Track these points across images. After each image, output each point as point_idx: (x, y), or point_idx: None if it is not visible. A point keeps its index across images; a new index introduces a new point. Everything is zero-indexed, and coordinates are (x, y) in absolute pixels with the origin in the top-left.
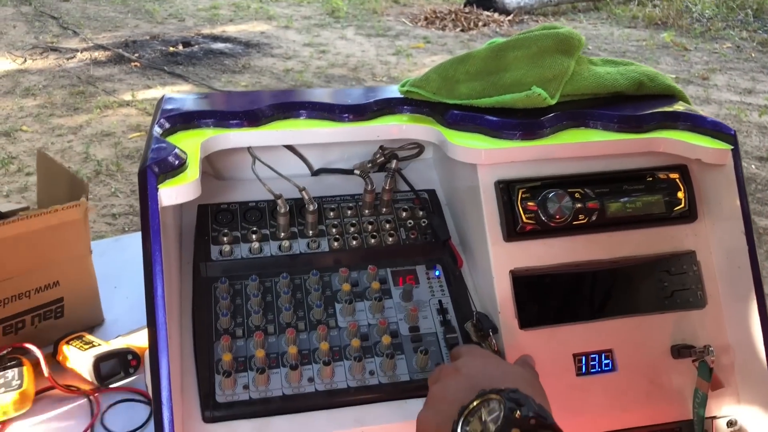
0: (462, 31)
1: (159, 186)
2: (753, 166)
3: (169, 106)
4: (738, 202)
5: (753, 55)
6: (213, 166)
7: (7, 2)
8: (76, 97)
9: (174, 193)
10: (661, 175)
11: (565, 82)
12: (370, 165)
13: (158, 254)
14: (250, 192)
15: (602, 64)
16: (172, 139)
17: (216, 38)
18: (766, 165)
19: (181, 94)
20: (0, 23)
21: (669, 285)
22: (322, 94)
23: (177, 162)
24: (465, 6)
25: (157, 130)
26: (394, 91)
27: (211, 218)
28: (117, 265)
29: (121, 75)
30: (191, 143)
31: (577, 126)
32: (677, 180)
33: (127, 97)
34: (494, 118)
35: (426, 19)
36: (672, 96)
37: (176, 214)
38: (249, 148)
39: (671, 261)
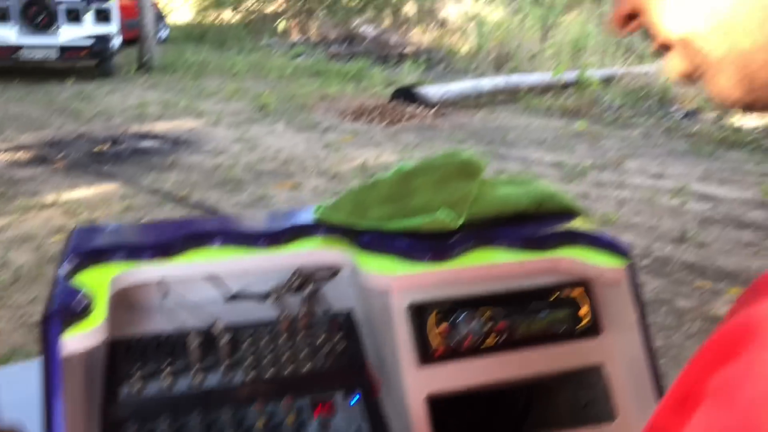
0: (388, 124)
1: (62, 334)
2: (668, 248)
3: (78, 241)
4: (636, 317)
5: (660, 141)
6: (123, 296)
7: None
8: None
9: (78, 340)
10: (565, 292)
11: (470, 204)
12: (285, 289)
13: (58, 410)
14: (162, 323)
15: (504, 185)
16: (81, 277)
17: (144, 136)
18: (680, 246)
19: (94, 226)
20: None
21: (581, 399)
22: (236, 220)
23: (81, 307)
24: (391, 100)
25: (65, 268)
26: (308, 215)
27: (120, 354)
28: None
29: (44, 176)
30: (101, 280)
31: (483, 246)
32: (580, 296)
33: (50, 198)
34: (404, 242)
35: (353, 113)
36: (571, 213)
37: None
38: (160, 281)
39: (581, 375)
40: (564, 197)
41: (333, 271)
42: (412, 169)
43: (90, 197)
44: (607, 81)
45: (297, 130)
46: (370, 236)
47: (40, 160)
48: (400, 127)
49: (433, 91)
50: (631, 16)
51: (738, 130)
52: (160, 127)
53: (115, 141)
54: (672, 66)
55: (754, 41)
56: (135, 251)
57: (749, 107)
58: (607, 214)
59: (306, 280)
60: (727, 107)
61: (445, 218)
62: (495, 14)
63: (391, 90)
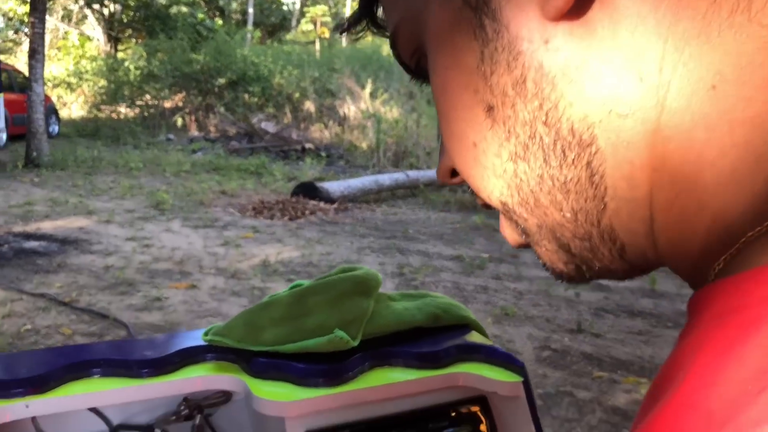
0: (290, 219)
1: None
2: (566, 339)
3: None
4: (533, 430)
5: None
6: None
7: None
8: None
9: None
10: (463, 410)
11: (366, 322)
12: (174, 418)
13: None
14: None
15: (400, 299)
16: None
17: (29, 236)
18: (578, 337)
19: None
20: None
21: None
22: (119, 347)
23: None
24: (292, 196)
25: None
26: (197, 338)
27: None
28: None
29: None
30: None
31: (380, 366)
32: (478, 413)
33: None
34: (299, 365)
35: (254, 209)
36: (466, 326)
37: None
38: (33, 419)
39: None
40: (459, 309)
41: (224, 398)
42: (306, 288)
43: None
44: None
45: (194, 227)
46: (263, 361)
47: None
48: (301, 223)
49: (334, 186)
50: (454, 172)
51: None
52: (47, 226)
53: None
54: (506, 233)
55: (557, 217)
56: (3, 388)
57: (577, 275)
58: (507, 306)
59: (195, 408)
60: (560, 277)
61: (340, 339)
62: (392, 113)
63: (292, 185)
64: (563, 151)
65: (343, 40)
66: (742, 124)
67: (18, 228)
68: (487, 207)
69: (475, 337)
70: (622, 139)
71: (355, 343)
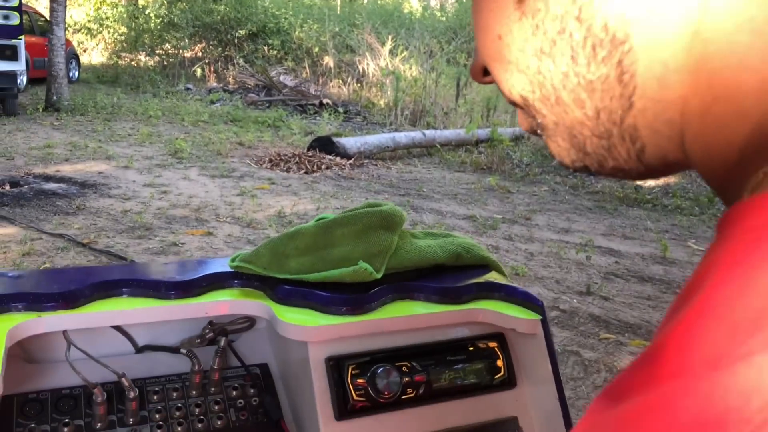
0: (306, 173)
1: None
2: (575, 301)
3: None
4: (550, 369)
5: (567, 197)
6: (22, 347)
7: None
8: None
9: None
10: (481, 345)
11: (390, 257)
12: (198, 341)
13: None
14: (65, 377)
15: (423, 237)
16: None
17: (49, 178)
18: (586, 299)
19: None
20: None
21: None
22: (146, 269)
23: None
24: (308, 150)
25: None
26: (223, 265)
27: (17, 411)
28: None
29: None
30: None
31: (402, 298)
32: (496, 348)
33: None
34: (323, 293)
35: (271, 161)
36: (486, 266)
37: None
38: (64, 332)
39: (496, 427)
40: (480, 250)
41: (248, 323)
42: (332, 220)
43: None
44: (517, 139)
45: (211, 176)
46: (287, 288)
47: None
48: (317, 176)
49: (351, 142)
50: (486, 71)
51: (638, 188)
52: (67, 169)
53: (16, 183)
54: (520, 120)
55: (578, 115)
56: (36, 301)
57: (582, 169)
58: (517, 266)
59: (220, 332)
60: (564, 167)
61: (365, 270)
62: (411, 71)
63: (309, 139)
64: (593, 48)
65: None
66: None
67: (38, 170)
68: (511, 104)
69: (495, 277)
70: (659, 38)
71: (379, 275)
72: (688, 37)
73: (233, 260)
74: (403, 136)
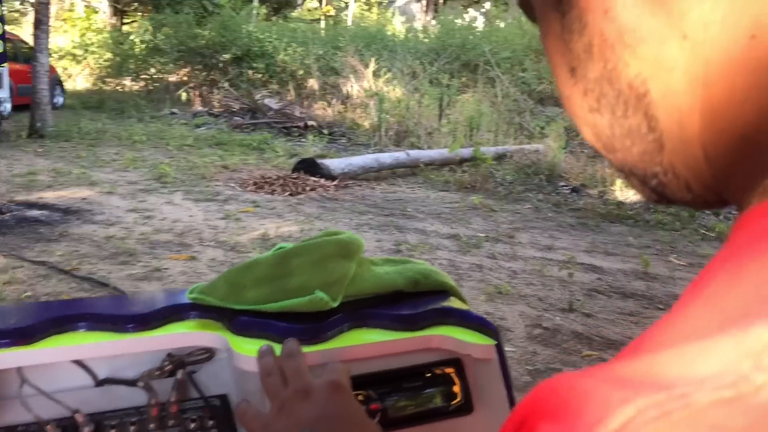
0: (290, 195)
1: None
2: (558, 318)
3: None
4: (505, 394)
5: (550, 215)
6: None
7: None
8: None
9: None
10: (438, 371)
11: (348, 285)
12: (158, 373)
13: None
14: (19, 414)
15: (382, 264)
16: None
17: (31, 205)
18: (569, 316)
19: None
20: None
21: None
22: (104, 303)
23: None
24: (293, 172)
25: None
26: (182, 297)
27: None
28: None
29: None
30: None
31: (358, 326)
32: (452, 374)
33: None
34: (280, 323)
35: (255, 184)
36: (445, 292)
37: None
38: (18, 369)
39: None
40: (439, 276)
41: (208, 355)
42: (290, 250)
43: None
44: (500, 157)
45: (196, 200)
46: (244, 319)
47: None
48: (302, 198)
49: (336, 163)
50: None
51: (620, 204)
52: (50, 196)
53: None
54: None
55: (630, 159)
56: None
57: (661, 203)
58: (501, 285)
59: (178, 364)
60: (653, 203)
61: (321, 299)
62: (395, 92)
63: (293, 162)
64: (625, 103)
65: (349, 19)
66: None
67: (21, 197)
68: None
69: (452, 303)
70: (671, 89)
71: (335, 304)
72: (694, 86)
73: (191, 292)
74: (388, 157)
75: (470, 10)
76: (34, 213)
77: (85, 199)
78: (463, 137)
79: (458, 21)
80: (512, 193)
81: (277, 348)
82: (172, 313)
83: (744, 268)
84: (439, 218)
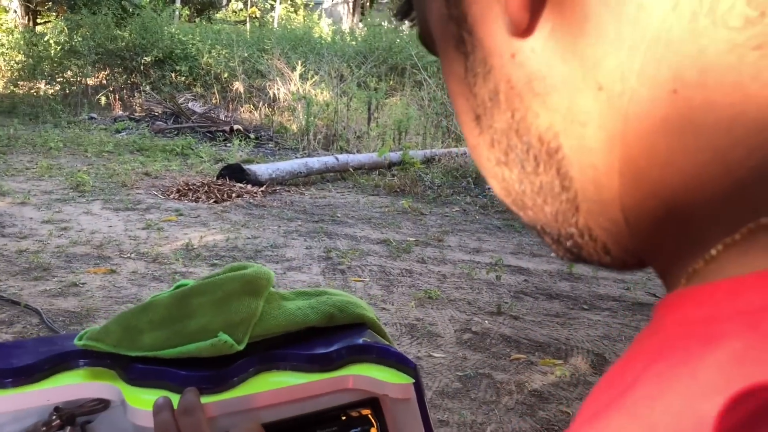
0: (215, 202)
1: None
2: (486, 322)
3: None
4: None
5: (477, 217)
6: None
7: None
8: None
9: None
10: (354, 413)
11: (255, 324)
12: (45, 429)
13: None
14: None
15: (294, 298)
16: None
17: None
18: (498, 319)
19: None
20: None
21: None
22: None
23: None
24: (218, 178)
25: None
26: (70, 342)
27: None
28: None
29: None
30: None
31: (267, 369)
32: (369, 416)
33: None
34: (180, 372)
35: (178, 191)
36: (363, 325)
37: None
38: None
39: None
40: (356, 307)
41: (102, 405)
42: (190, 289)
43: None
44: (429, 161)
45: (115, 209)
46: (140, 367)
47: None
48: (227, 206)
49: (263, 169)
50: None
51: None
52: None
53: None
54: None
55: (542, 218)
56: None
57: (576, 262)
58: (430, 290)
59: (68, 419)
60: (568, 262)
61: (224, 342)
62: (322, 95)
63: (219, 167)
64: (535, 158)
65: (275, 21)
66: (707, 128)
67: None
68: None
69: (370, 337)
70: (584, 145)
71: (241, 347)
72: (612, 142)
73: (80, 338)
74: (316, 161)
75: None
76: None
77: None
78: (391, 141)
79: (385, 24)
80: (441, 196)
81: (176, 399)
82: (59, 362)
83: (675, 376)
84: (370, 223)
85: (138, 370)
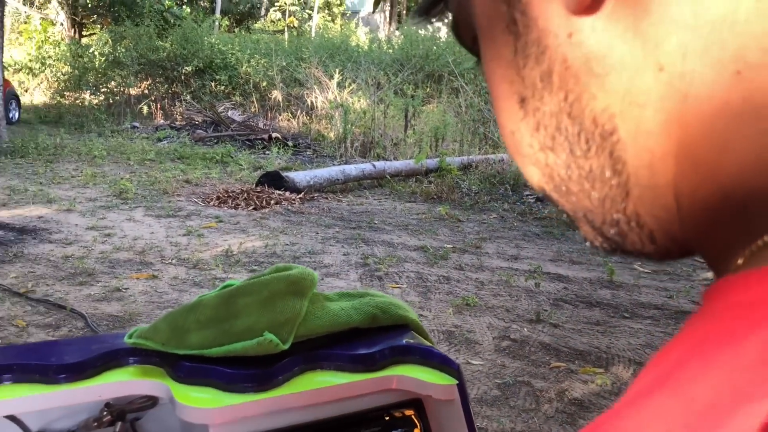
0: (254, 209)
1: None
2: (525, 329)
3: None
4: None
5: (515, 224)
6: None
7: None
8: None
9: None
10: (397, 414)
11: (299, 324)
12: (96, 424)
13: None
14: None
15: (337, 299)
16: None
17: None
18: (537, 327)
19: None
20: None
21: None
22: (35, 351)
23: None
24: (257, 185)
25: None
26: (120, 341)
27: None
28: None
29: None
30: None
31: (311, 369)
32: (413, 416)
33: None
34: (226, 370)
35: (218, 198)
36: (405, 326)
37: None
38: None
39: None
40: (398, 309)
41: (151, 402)
42: (237, 289)
43: None
44: (466, 168)
45: (157, 216)
46: (188, 365)
47: None
48: (266, 213)
49: (301, 176)
50: None
51: None
52: (4, 215)
53: None
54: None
55: (587, 204)
56: None
57: (613, 252)
58: (468, 296)
59: (119, 414)
60: (604, 253)
61: (270, 341)
62: (360, 103)
63: (258, 175)
64: (587, 141)
65: (312, 30)
66: None
67: None
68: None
69: (413, 338)
70: (642, 128)
71: (286, 347)
72: (670, 125)
73: (130, 336)
74: (353, 169)
75: (433, 20)
76: None
77: (41, 217)
78: (428, 147)
79: (422, 31)
80: (478, 203)
81: (224, 397)
82: (110, 359)
83: (718, 355)
84: (407, 230)
85: (186, 368)
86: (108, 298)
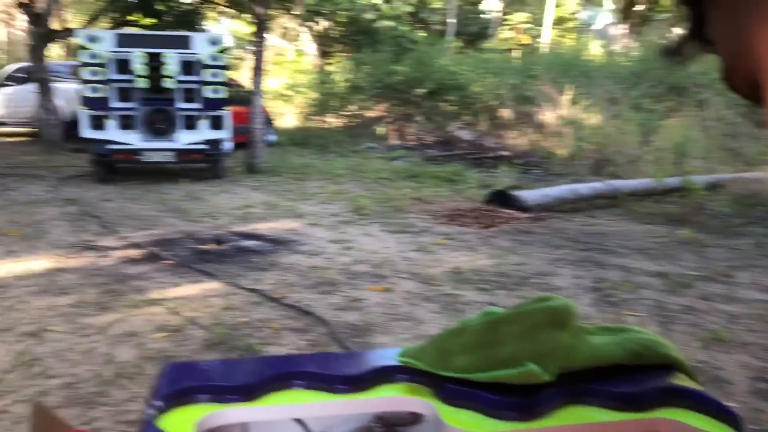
0: (483, 227)
1: None
2: None
3: (167, 379)
4: None
5: None
6: None
7: (54, 203)
8: (106, 296)
9: None
10: None
11: (561, 356)
12: None
13: None
14: None
15: (597, 333)
16: (167, 418)
17: (247, 236)
18: None
19: (183, 363)
20: (45, 223)
21: None
22: (319, 361)
23: None
24: (485, 203)
25: (151, 412)
26: (389, 358)
27: None
28: None
29: (152, 273)
30: (185, 422)
31: (574, 403)
32: None
33: (156, 295)
34: (492, 396)
35: (448, 216)
36: (670, 367)
37: None
38: (244, 425)
39: None
40: (662, 348)
41: (415, 419)
42: (499, 317)
43: (193, 295)
44: (713, 187)
45: (391, 231)
46: (452, 387)
47: (150, 257)
48: (494, 231)
49: (529, 194)
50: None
51: None
52: (262, 227)
53: (219, 240)
54: None
55: None
56: (220, 393)
57: None
58: (717, 330)
59: (390, 426)
60: None
61: (533, 372)
62: (592, 119)
63: (485, 193)
64: None
65: (544, 46)
66: None
67: (238, 228)
68: None
69: (680, 380)
70: None
71: (550, 378)
72: None
73: (402, 355)
74: (585, 187)
75: (675, 29)
76: (249, 243)
77: (292, 230)
78: (669, 165)
79: (662, 41)
80: (729, 226)
81: (488, 422)
82: (383, 375)
83: None
84: (643, 254)
85: (450, 390)
86: (348, 307)
